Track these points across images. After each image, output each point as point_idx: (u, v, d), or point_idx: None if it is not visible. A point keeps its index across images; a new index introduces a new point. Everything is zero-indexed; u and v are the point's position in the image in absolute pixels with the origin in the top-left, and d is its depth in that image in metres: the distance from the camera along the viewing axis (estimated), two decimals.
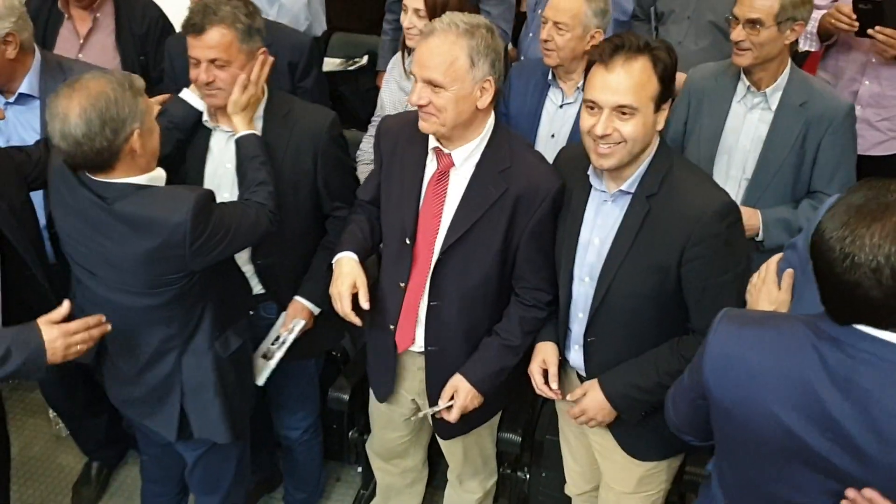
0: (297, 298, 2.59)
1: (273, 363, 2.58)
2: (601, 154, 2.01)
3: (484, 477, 2.81)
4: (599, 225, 2.15)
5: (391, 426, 2.70)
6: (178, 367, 2.30)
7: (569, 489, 2.71)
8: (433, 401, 2.41)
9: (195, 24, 2.27)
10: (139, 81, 2.10)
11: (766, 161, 2.69)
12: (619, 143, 1.98)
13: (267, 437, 3.17)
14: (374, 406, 2.71)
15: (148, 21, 3.18)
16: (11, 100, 2.63)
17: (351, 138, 3.42)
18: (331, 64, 4.15)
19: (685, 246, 2.01)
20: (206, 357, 2.31)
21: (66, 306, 2.07)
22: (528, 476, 2.96)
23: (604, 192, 2.13)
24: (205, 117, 2.46)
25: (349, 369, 3.02)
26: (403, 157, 2.32)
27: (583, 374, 2.32)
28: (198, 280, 2.20)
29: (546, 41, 2.77)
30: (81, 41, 3.05)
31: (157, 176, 2.17)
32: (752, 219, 2.70)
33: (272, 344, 2.60)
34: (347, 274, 2.27)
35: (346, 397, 2.91)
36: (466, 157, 2.22)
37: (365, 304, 2.24)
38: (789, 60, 2.69)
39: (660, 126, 2.02)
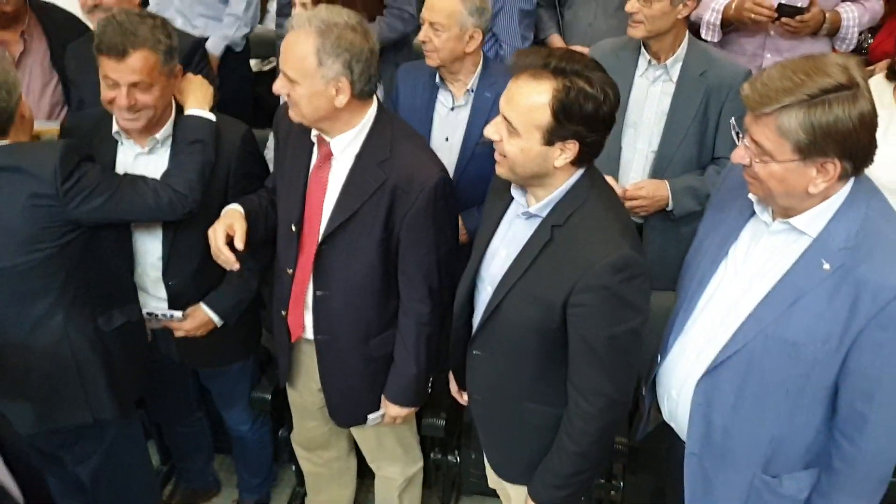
0: (202, 306, 2.47)
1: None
2: (496, 158, 1.85)
3: (405, 464, 2.68)
4: (510, 238, 1.97)
5: (307, 415, 2.60)
6: (65, 338, 2.20)
7: (490, 482, 2.49)
8: (327, 390, 2.38)
9: (115, 46, 2.09)
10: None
11: (671, 132, 2.63)
12: (504, 155, 1.81)
13: (202, 446, 3.06)
14: (291, 396, 2.61)
15: (78, 34, 3.01)
16: None
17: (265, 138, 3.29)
18: None
19: (572, 289, 1.80)
20: (89, 329, 2.23)
21: None
22: (458, 459, 2.86)
23: (522, 206, 1.93)
24: (115, 129, 2.30)
25: (271, 368, 2.87)
26: (295, 144, 2.22)
27: None
28: (77, 244, 2.14)
29: (424, 42, 2.64)
30: (14, 65, 2.88)
31: None
32: (660, 189, 2.65)
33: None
34: (227, 216, 2.20)
35: (269, 396, 2.76)
36: (345, 147, 2.11)
37: (239, 244, 2.15)
38: (687, 32, 2.63)
39: (557, 163, 1.77)
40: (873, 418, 1.68)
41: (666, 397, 2.01)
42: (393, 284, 2.23)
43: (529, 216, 1.90)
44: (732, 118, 1.80)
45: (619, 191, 2.66)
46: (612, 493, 2.78)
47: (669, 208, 2.67)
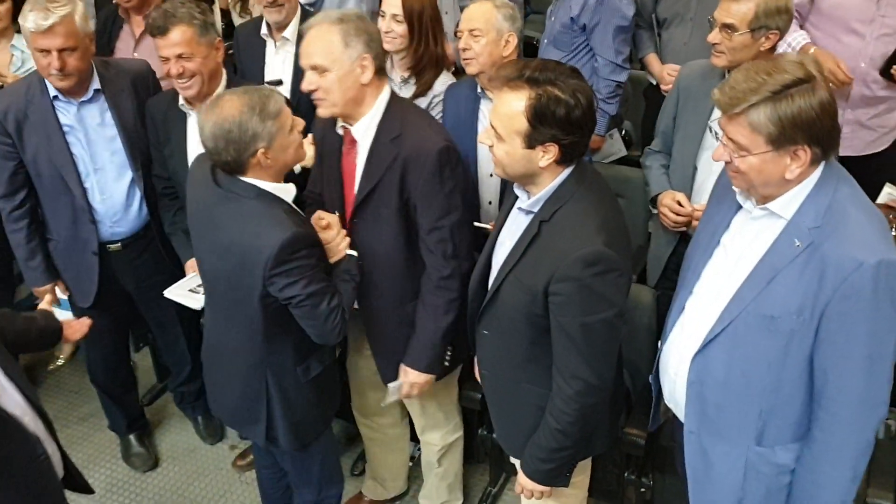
0: None
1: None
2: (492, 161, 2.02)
3: (446, 431, 2.86)
4: (512, 230, 2.12)
5: (363, 384, 2.85)
6: (264, 383, 2.39)
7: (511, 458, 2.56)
8: (376, 353, 2.62)
9: (159, 27, 2.57)
10: (273, 104, 2.13)
11: None
12: (498, 156, 1.97)
13: None
14: (348, 369, 2.88)
15: None
16: (87, 97, 2.76)
17: None
18: None
19: (550, 279, 1.94)
20: (288, 379, 2.39)
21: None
22: (494, 435, 2.94)
23: (521, 202, 2.08)
24: (181, 102, 2.71)
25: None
26: (328, 143, 2.48)
27: None
28: (275, 311, 2.26)
29: (465, 50, 2.78)
30: (135, 42, 3.40)
31: (285, 188, 2.24)
32: None
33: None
34: None
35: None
36: (365, 130, 2.33)
37: None
38: None
39: (541, 164, 1.91)
40: (845, 385, 1.78)
41: (666, 379, 2.11)
42: (419, 253, 2.42)
43: (525, 211, 2.06)
44: (714, 121, 1.87)
45: (687, 209, 2.68)
46: (643, 490, 2.83)
47: None
